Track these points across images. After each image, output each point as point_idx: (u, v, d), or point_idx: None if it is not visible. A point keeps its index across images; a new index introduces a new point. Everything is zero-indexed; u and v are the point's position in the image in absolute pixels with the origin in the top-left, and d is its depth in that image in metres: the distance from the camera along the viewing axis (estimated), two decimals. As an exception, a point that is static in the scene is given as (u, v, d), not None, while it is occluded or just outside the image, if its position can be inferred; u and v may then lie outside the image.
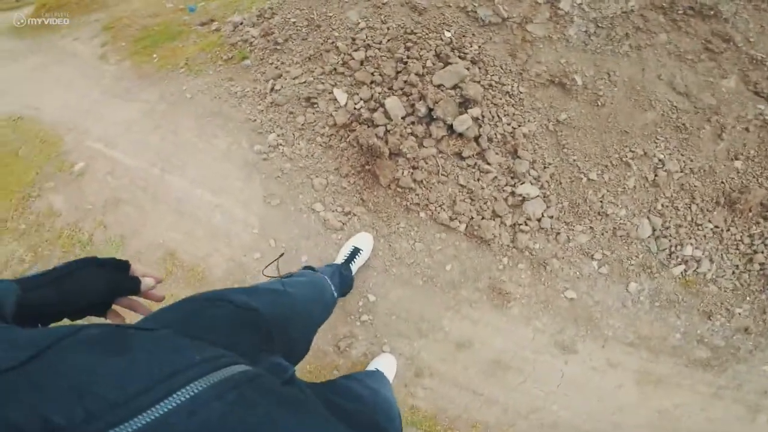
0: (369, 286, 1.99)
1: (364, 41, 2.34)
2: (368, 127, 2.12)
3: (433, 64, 2.23)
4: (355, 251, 1.92)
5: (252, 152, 2.28)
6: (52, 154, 2.62)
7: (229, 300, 0.76)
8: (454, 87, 2.17)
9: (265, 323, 0.77)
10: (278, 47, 2.51)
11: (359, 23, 2.41)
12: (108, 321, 0.66)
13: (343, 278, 1.74)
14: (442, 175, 2.06)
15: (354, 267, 1.90)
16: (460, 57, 2.27)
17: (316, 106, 2.28)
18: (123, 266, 0.66)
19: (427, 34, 2.33)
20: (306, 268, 1.55)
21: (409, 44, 2.29)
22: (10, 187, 2.54)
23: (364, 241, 2.00)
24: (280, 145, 2.25)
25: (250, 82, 2.51)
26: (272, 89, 2.38)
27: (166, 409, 0.36)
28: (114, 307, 0.67)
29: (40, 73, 3.45)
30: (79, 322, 0.56)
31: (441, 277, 2.02)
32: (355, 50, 2.33)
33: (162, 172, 2.35)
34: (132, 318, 0.69)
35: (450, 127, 2.10)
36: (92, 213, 2.30)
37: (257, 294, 0.88)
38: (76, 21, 4.16)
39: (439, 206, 2.05)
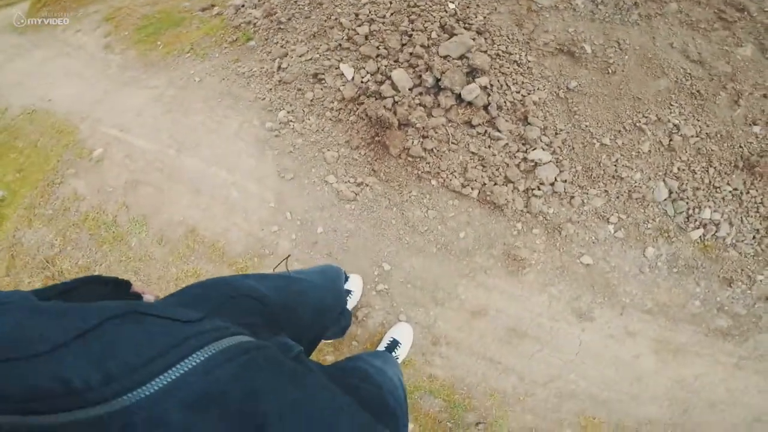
0: (384, 255, 1.96)
1: (368, 16, 2.31)
2: (376, 99, 2.08)
3: (438, 35, 2.18)
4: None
5: (264, 130, 2.27)
6: (69, 143, 2.64)
7: (236, 285, 0.78)
8: (461, 57, 2.12)
9: (273, 308, 0.78)
10: (282, 26, 2.49)
11: (361, -1, 2.38)
12: None
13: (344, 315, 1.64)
14: (452, 143, 2.02)
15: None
16: (465, 28, 2.22)
17: (323, 81, 2.25)
18: (124, 284, 0.68)
19: (430, 6, 2.28)
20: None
21: (413, 17, 2.25)
22: (34, 176, 2.57)
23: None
24: (291, 121, 2.23)
25: (256, 62, 2.49)
26: (279, 68, 2.36)
27: (184, 370, 0.38)
28: None
29: (48, 67, 3.47)
30: None
31: (455, 244, 1.97)
32: (359, 25, 2.30)
33: (177, 153, 2.35)
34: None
35: (458, 97, 2.05)
36: (114, 195, 2.31)
37: (267, 280, 0.88)
38: (75, 14, 4.18)
39: (451, 173, 2.01)
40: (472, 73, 2.10)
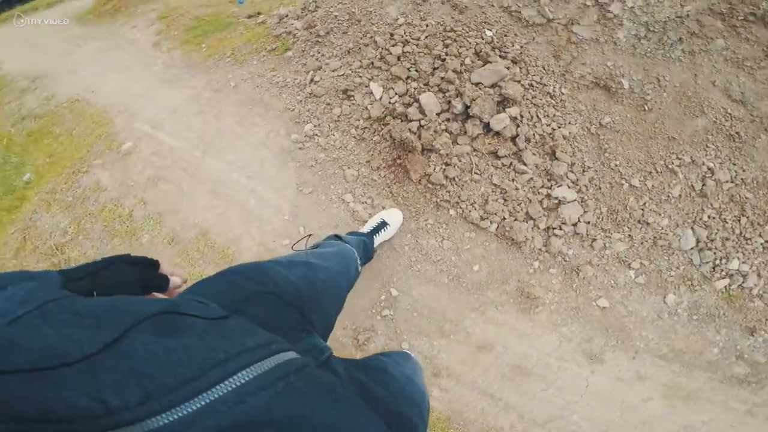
0: (393, 281, 1.90)
1: (402, 37, 2.25)
2: (402, 121, 2.03)
3: (472, 62, 2.10)
4: (383, 224, 1.84)
5: (289, 141, 2.24)
6: (102, 134, 2.68)
7: (274, 278, 0.77)
8: (493, 86, 2.04)
9: (301, 300, 0.77)
10: (320, 40, 2.46)
11: (398, 19, 2.32)
12: None
13: (367, 249, 1.65)
14: (475, 173, 1.94)
15: (377, 240, 1.81)
16: (500, 56, 2.14)
17: (352, 98, 2.21)
18: (154, 265, 0.65)
19: (467, 32, 2.21)
20: (332, 237, 1.48)
21: (448, 41, 2.18)
22: (63, 163, 2.62)
23: (393, 217, 1.91)
24: (316, 135, 2.20)
25: (291, 73, 2.48)
26: (311, 80, 2.33)
27: (215, 396, 0.36)
28: None
29: (101, 58, 3.56)
30: None
31: (467, 276, 1.90)
32: (393, 45, 2.24)
33: (203, 154, 2.35)
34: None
35: (486, 126, 1.98)
36: (134, 190, 2.32)
37: (295, 268, 0.86)
38: (134, 10, 4.27)
39: (471, 205, 1.93)
40: (503, 103, 2.02)
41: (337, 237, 1.46)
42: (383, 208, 2.00)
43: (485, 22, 2.25)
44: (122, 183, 2.35)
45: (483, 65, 2.09)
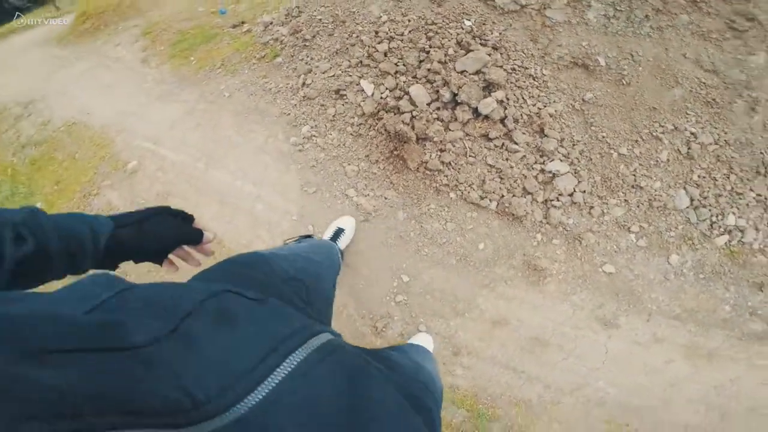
0: (403, 267, 1.90)
1: (387, 34, 2.27)
2: (395, 114, 2.04)
3: (455, 51, 2.13)
4: (339, 231, 1.88)
5: (288, 144, 2.25)
6: (105, 156, 2.66)
7: (279, 267, 0.78)
8: (477, 72, 2.06)
9: (304, 292, 0.77)
10: (307, 44, 2.48)
11: (381, 17, 2.35)
12: (164, 267, 0.67)
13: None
14: (470, 156, 1.96)
15: (339, 245, 1.85)
16: (481, 44, 2.17)
17: (345, 97, 2.22)
18: (190, 218, 0.68)
19: (447, 24, 2.24)
20: (304, 236, 1.53)
21: (431, 34, 2.21)
22: (71, 188, 2.60)
23: (347, 223, 1.94)
24: (314, 136, 2.20)
25: (282, 79, 2.49)
26: (304, 84, 2.34)
27: (283, 374, 0.37)
28: (170, 256, 0.67)
29: (89, 78, 3.51)
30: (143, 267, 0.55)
31: (474, 255, 1.90)
32: (379, 43, 2.27)
33: (205, 166, 2.35)
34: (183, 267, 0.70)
35: (475, 111, 2.00)
36: (164, 203, 2.28)
37: (294, 261, 0.86)
38: (115, 27, 4.23)
39: (469, 186, 1.94)
40: (489, 88, 2.04)
41: (309, 237, 1.49)
42: (386, 198, 2.00)
43: (463, 13, 2.28)
44: (132, 201, 2.35)
45: (465, 54, 2.12)
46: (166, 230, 0.61)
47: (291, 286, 0.75)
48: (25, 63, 4.70)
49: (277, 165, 2.21)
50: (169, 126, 2.60)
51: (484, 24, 2.24)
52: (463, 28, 2.21)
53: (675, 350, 1.78)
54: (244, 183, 2.21)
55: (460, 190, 1.95)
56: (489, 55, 2.10)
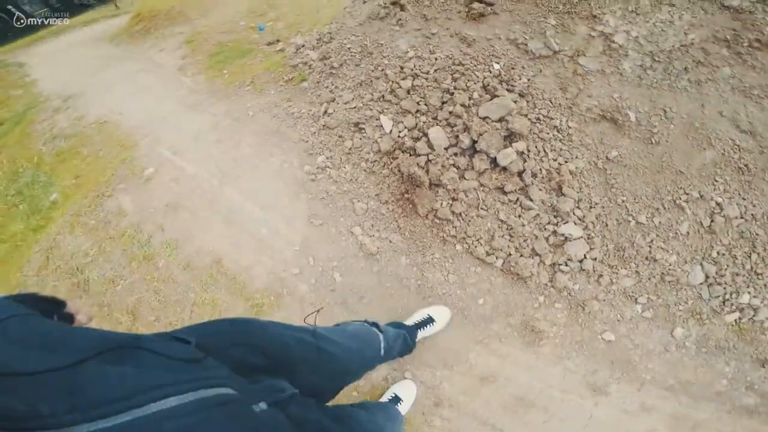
0: (398, 313, 1.86)
1: (412, 70, 2.20)
2: (411, 155, 1.98)
3: (480, 96, 2.04)
4: (429, 320, 1.76)
5: (302, 172, 2.22)
6: (127, 158, 2.70)
7: (267, 333, 0.80)
8: (500, 120, 1.97)
9: (287, 357, 0.78)
10: (333, 71, 2.43)
11: (408, 52, 2.27)
12: None
13: (406, 341, 1.59)
14: (482, 209, 1.88)
15: (421, 334, 1.74)
16: (507, 90, 2.07)
17: (363, 131, 2.17)
18: (61, 303, 0.67)
19: (475, 65, 2.15)
20: (366, 322, 1.42)
21: (457, 75, 2.12)
22: (88, 186, 2.64)
23: (442, 315, 1.81)
24: (328, 167, 2.16)
25: (306, 104, 2.47)
26: (325, 112, 2.30)
27: (138, 415, 0.40)
28: None
29: (130, 80, 3.58)
30: None
31: (472, 310, 1.84)
32: (403, 79, 2.20)
33: (220, 183, 2.35)
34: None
35: (493, 161, 1.91)
36: (154, 216, 2.33)
37: (296, 331, 0.88)
38: (163, 32, 4.27)
39: (477, 240, 1.87)
40: (510, 137, 1.95)
41: (370, 323, 1.40)
42: (391, 242, 1.95)
43: (493, 56, 2.18)
44: (143, 209, 2.37)
45: (490, 99, 2.03)
46: (38, 310, 0.61)
47: (267, 347, 0.76)
48: (75, 58, 4.85)
49: (289, 192, 2.19)
50: (193, 137, 2.61)
51: (512, 68, 2.13)
52: (491, 72, 2.11)
53: (661, 420, 1.69)
54: (254, 205, 2.20)
55: (467, 243, 1.87)
56: (515, 102, 2.01)
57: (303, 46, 2.71)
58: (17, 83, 5.34)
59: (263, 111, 2.56)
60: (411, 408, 1.73)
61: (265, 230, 2.12)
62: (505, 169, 1.91)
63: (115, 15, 8.36)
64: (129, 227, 2.33)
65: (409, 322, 1.76)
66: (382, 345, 1.27)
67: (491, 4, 2.39)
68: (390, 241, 1.95)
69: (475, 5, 2.36)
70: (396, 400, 1.68)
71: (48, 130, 3.34)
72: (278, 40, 3.13)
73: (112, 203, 2.47)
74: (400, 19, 2.48)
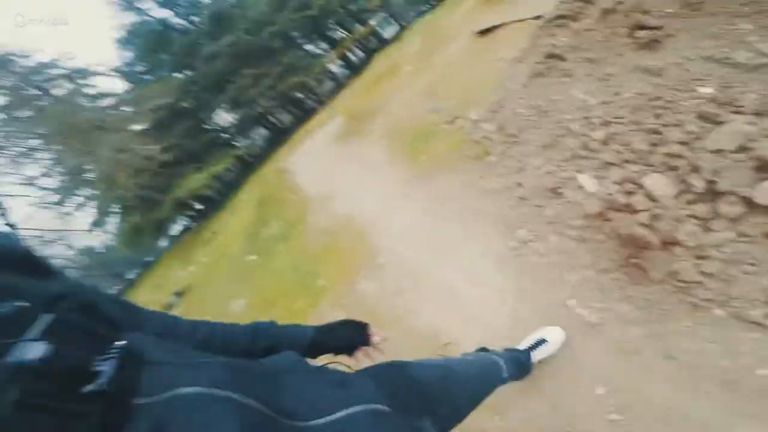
0: (624, 383, 1.59)
1: (602, 118, 2.03)
2: (627, 213, 1.78)
3: (699, 127, 1.72)
4: (540, 342, 1.71)
5: (505, 248, 2.26)
6: (364, 250, 3.27)
7: (413, 374, 0.88)
8: (741, 149, 1.60)
9: (427, 395, 0.85)
10: (515, 140, 2.47)
11: (587, 100, 2.13)
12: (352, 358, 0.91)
13: (522, 364, 1.60)
14: (748, 264, 1.50)
15: (536, 355, 1.69)
16: (734, 112, 1.68)
17: (562, 195, 2.08)
18: (365, 326, 0.92)
19: (675, 95, 1.84)
20: (479, 349, 1.55)
21: (658, 111, 1.86)
22: (343, 274, 3.30)
23: (555, 337, 1.75)
24: (530, 240, 2.14)
25: (497, 177, 2.53)
26: (517, 183, 2.34)
27: (336, 417, 0.57)
28: (357, 352, 0.91)
29: (356, 178, 4.33)
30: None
31: (747, 382, 1.43)
32: (593, 129, 2.05)
33: (431, 263, 2.59)
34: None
35: (748, 201, 1.53)
36: (388, 296, 2.69)
37: (431, 370, 0.95)
38: (366, 128, 5.08)
39: (748, 302, 1.49)
40: (764, 168, 1.54)
41: (484, 350, 1.53)
42: (617, 312, 1.73)
43: (694, 79, 1.83)
44: (380, 290, 2.76)
45: (715, 128, 1.67)
46: (346, 335, 0.87)
47: (412, 387, 0.85)
48: (321, 161, 6.22)
49: (495, 268, 2.24)
50: (407, 225, 3.00)
51: (729, 87, 1.73)
52: (700, 97, 1.76)
53: None
54: (464, 283, 2.32)
55: (732, 306, 1.51)
56: (752, 124, 1.60)
57: (478, 120, 2.84)
58: (289, 188, 7.38)
59: (460, 190, 2.73)
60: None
61: (475, 305, 2.20)
62: (768, 207, 1.50)
63: (333, 117, 10.80)
64: (369, 305, 2.75)
65: (523, 345, 1.75)
66: (505, 371, 1.33)
67: (658, 28, 2.06)
68: (616, 312, 1.73)
69: (641, 33, 2.07)
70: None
71: (316, 227, 4.35)
72: (456, 117, 3.34)
73: (360, 287, 2.99)
74: (563, 70, 2.36)
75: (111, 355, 0.39)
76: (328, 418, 0.56)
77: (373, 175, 3.95)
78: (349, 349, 0.88)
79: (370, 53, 21.16)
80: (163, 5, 21.49)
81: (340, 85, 21.07)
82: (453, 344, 2.13)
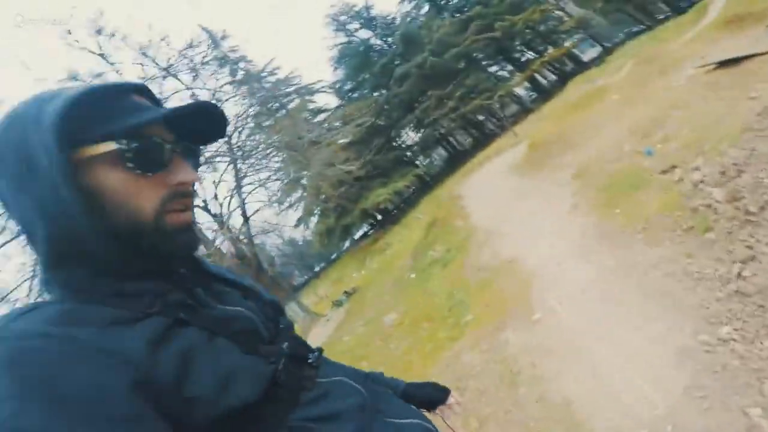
0: None
1: None
2: None
3: None
4: None
5: (694, 340, 1.84)
6: (522, 300, 2.99)
7: None
8: None
9: None
10: (751, 218, 1.94)
11: None
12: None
13: None
14: None
15: None
16: None
17: (802, 305, 1.70)
18: (446, 390, 1.00)
19: None
20: None
21: None
22: (491, 317, 3.09)
23: None
24: (734, 340, 1.78)
25: (711, 261, 2.03)
26: (739, 274, 1.86)
27: (410, 421, 0.72)
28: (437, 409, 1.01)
29: (530, 219, 3.88)
30: None
31: None
32: None
33: (593, 339, 2.27)
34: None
35: None
36: (531, 354, 2.50)
37: None
38: (554, 162, 4.49)
39: None
40: None
41: None
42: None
43: None
44: (525, 346, 2.56)
45: None
46: (431, 393, 0.98)
47: None
48: (493, 190, 5.88)
49: (671, 359, 1.84)
50: (578, 289, 2.62)
51: None
52: None
53: None
54: (624, 366, 1.97)
55: None
56: None
57: (703, 180, 2.27)
58: (459, 214, 7.36)
59: (655, 267, 2.28)
60: None
61: (629, 391, 1.85)
62: None
63: (515, 144, 10.29)
64: (509, 357, 2.57)
65: None
66: None
67: None
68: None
69: None
70: None
71: (475, 261, 4.17)
72: (674, 166, 2.70)
73: (503, 336, 2.78)
74: None
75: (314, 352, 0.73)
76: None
77: (552, 219, 3.51)
78: (430, 405, 1.01)
79: (564, 77, 19.49)
80: (365, 26, 23.17)
81: (525, 109, 20.06)
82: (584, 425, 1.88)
